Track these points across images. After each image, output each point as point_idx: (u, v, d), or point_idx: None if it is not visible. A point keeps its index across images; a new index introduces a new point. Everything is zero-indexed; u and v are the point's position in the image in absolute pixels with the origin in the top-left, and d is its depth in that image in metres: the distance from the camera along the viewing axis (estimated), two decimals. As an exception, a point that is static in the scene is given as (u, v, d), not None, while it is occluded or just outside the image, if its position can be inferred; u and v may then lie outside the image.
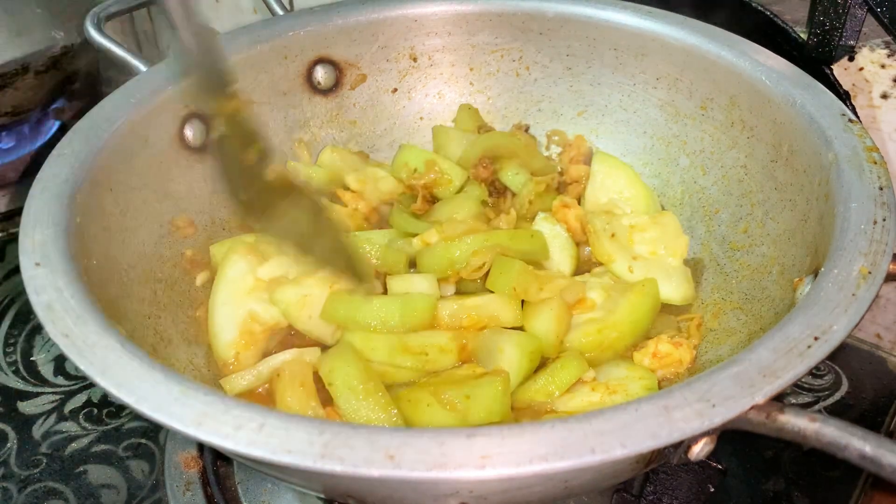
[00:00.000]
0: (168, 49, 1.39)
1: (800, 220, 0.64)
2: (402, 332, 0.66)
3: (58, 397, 0.80)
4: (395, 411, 0.60)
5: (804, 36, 0.82)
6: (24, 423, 0.77)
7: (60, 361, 0.84)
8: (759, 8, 0.84)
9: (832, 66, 0.81)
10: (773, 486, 0.69)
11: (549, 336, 0.67)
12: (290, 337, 0.70)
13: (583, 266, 0.77)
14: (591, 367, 0.66)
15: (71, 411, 0.78)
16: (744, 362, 0.45)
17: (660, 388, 0.65)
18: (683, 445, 0.44)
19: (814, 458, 0.70)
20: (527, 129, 0.89)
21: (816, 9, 0.78)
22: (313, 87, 0.85)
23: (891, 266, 0.51)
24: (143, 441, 0.75)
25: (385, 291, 0.71)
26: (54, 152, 0.63)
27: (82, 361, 0.47)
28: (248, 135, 0.68)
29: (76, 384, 0.81)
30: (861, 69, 0.83)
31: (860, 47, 0.81)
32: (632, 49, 0.81)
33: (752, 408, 0.43)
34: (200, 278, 0.72)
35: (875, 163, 0.59)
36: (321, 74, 0.84)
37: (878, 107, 0.84)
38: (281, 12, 0.87)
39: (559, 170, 0.85)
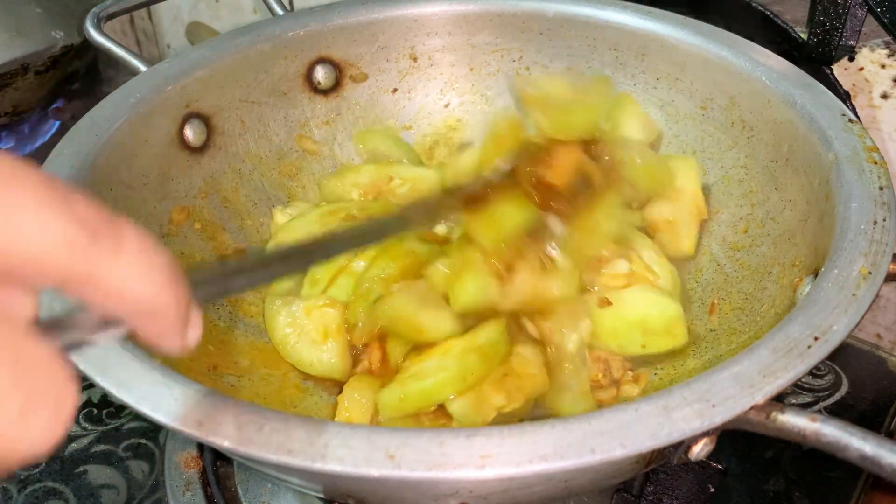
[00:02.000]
0: (168, 49, 1.40)
1: (800, 220, 0.64)
2: None
3: (58, 397, 0.80)
4: None
5: (804, 36, 0.82)
6: (23, 424, 0.77)
7: (60, 361, 0.84)
8: (759, 8, 0.84)
9: (832, 66, 0.81)
10: (773, 486, 0.69)
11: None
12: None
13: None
14: None
15: (71, 411, 0.78)
16: (744, 362, 0.45)
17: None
18: (683, 445, 0.44)
19: (814, 458, 0.70)
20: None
21: (816, 9, 0.78)
22: (313, 87, 0.85)
23: (891, 266, 0.51)
24: (143, 441, 0.75)
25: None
26: (54, 152, 0.63)
27: (82, 361, 0.47)
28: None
29: (76, 384, 0.81)
30: (861, 69, 0.83)
31: (860, 47, 0.81)
32: (632, 49, 0.81)
33: (752, 408, 0.43)
34: (200, 278, 0.72)
35: (875, 163, 0.59)
36: (321, 74, 0.84)
37: (879, 107, 0.84)
38: (281, 12, 0.87)
39: None
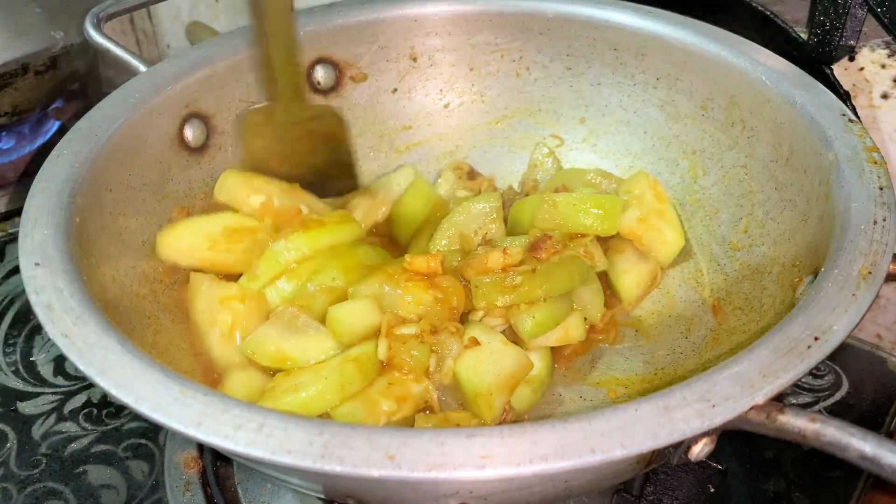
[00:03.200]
0: (168, 49, 1.40)
1: (800, 220, 0.64)
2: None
3: (57, 398, 0.80)
4: None
5: (804, 36, 0.82)
6: (23, 424, 0.77)
7: (60, 362, 0.84)
8: (759, 8, 0.84)
9: (832, 66, 0.81)
10: (774, 486, 0.69)
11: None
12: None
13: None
14: None
15: (70, 412, 0.78)
16: (744, 362, 0.45)
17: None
18: (683, 446, 0.44)
19: (814, 459, 0.70)
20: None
21: (816, 9, 0.78)
22: (313, 87, 0.85)
23: (891, 266, 0.51)
24: (143, 441, 0.75)
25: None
26: (54, 152, 0.63)
27: (82, 361, 0.47)
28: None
29: (76, 384, 0.81)
30: (861, 69, 0.83)
31: (860, 47, 0.81)
32: (632, 49, 0.81)
33: (752, 408, 0.42)
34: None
35: (875, 163, 0.59)
36: (321, 74, 0.84)
37: (879, 107, 0.84)
38: (281, 12, 0.87)
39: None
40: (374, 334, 0.65)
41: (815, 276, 0.53)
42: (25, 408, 0.79)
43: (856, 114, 0.75)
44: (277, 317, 0.66)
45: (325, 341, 0.65)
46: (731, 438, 0.69)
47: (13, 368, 0.83)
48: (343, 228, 0.73)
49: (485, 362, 0.64)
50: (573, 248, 0.71)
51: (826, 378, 0.78)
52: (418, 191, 0.80)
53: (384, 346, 0.63)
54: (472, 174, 0.87)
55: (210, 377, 0.66)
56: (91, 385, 0.78)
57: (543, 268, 0.68)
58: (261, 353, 0.64)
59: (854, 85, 0.83)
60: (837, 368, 0.79)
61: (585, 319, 0.71)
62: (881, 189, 0.56)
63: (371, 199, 0.81)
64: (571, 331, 0.69)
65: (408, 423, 0.63)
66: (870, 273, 0.50)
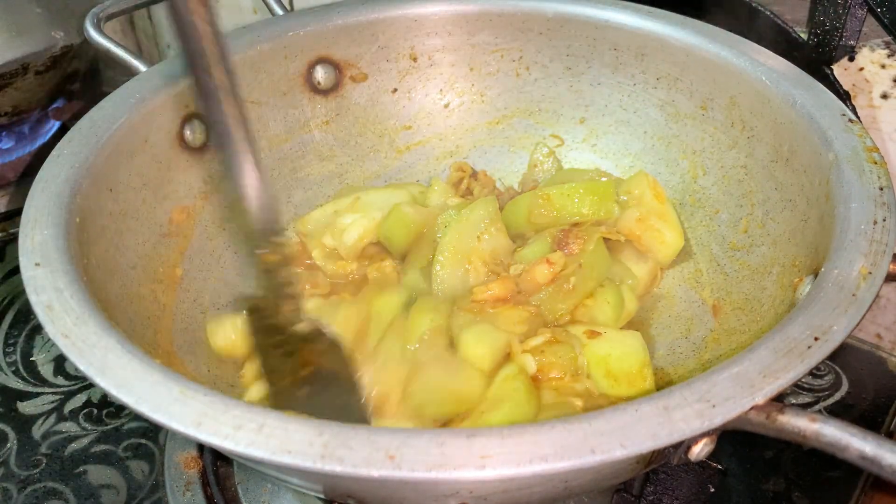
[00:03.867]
0: (168, 49, 1.40)
1: (800, 221, 0.64)
2: None
3: (58, 397, 0.80)
4: None
5: (804, 36, 0.82)
6: (23, 424, 0.77)
7: (60, 361, 0.84)
8: (759, 8, 0.84)
9: (832, 66, 0.81)
10: (773, 486, 0.69)
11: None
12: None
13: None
14: None
15: (71, 411, 0.78)
16: (744, 362, 0.45)
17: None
18: (683, 446, 0.44)
19: (814, 459, 0.70)
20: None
21: (816, 9, 0.78)
22: (313, 87, 0.85)
23: (891, 266, 0.51)
24: (143, 441, 0.75)
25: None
26: (54, 152, 0.63)
27: (82, 362, 0.47)
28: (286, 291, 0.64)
29: (76, 384, 0.81)
30: (861, 69, 0.83)
31: (860, 47, 0.81)
32: (632, 49, 0.81)
33: (752, 408, 0.43)
34: (200, 278, 0.72)
35: (875, 163, 0.59)
36: (321, 74, 0.84)
37: (878, 107, 0.84)
38: (281, 12, 0.87)
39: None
40: (505, 357, 0.64)
41: (815, 276, 0.53)
42: (25, 408, 0.79)
43: (856, 114, 0.75)
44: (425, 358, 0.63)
45: (475, 372, 0.62)
46: (731, 438, 0.69)
47: (13, 368, 0.83)
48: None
49: (622, 345, 0.65)
50: (592, 230, 0.73)
51: (826, 378, 0.78)
52: (397, 218, 0.77)
53: (530, 359, 0.63)
54: (475, 175, 0.87)
55: (207, 377, 0.66)
56: (91, 385, 0.78)
57: (586, 259, 0.69)
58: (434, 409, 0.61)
59: (854, 85, 0.84)
60: (837, 368, 0.79)
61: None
62: (881, 189, 0.56)
63: (364, 216, 0.79)
64: (629, 305, 0.72)
65: None
66: (870, 273, 0.50)
